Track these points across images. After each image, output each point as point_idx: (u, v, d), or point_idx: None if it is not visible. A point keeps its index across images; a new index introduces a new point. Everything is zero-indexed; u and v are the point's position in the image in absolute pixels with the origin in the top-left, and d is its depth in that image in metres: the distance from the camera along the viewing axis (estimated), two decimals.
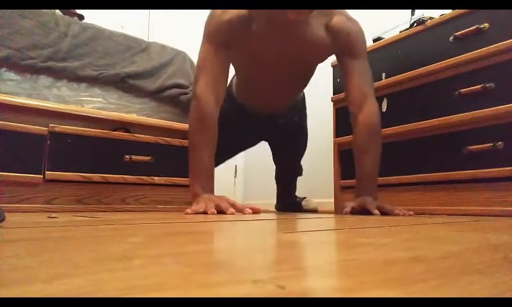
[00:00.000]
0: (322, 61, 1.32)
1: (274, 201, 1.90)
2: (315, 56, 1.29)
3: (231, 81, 1.53)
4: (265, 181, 2.14)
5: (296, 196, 1.76)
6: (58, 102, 1.42)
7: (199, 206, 1.02)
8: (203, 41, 1.21)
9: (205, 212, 0.99)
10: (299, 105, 1.59)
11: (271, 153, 1.71)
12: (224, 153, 1.47)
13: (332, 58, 1.62)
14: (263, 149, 1.73)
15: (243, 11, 1.17)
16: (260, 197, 2.25)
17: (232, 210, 0.99)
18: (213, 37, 1.18)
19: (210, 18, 1.21)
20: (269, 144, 1.70)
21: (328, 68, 1.63)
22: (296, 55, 1.26)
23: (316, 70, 1.42)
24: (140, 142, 1.50)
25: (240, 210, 1.02)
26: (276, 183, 1.78)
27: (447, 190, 1.19)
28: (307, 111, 1.65)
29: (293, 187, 1.76)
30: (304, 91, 1.55)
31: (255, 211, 1.09)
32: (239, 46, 1.20)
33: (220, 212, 0.99)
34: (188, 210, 1.03)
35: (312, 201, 1.74)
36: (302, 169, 1.72)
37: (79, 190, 1.35)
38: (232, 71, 1.37)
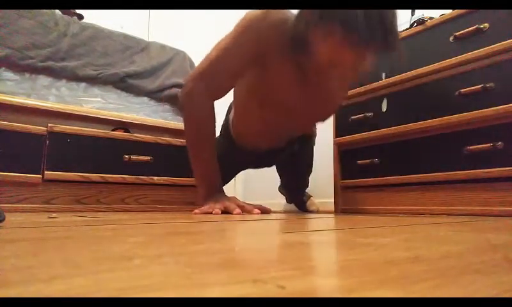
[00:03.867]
0: None
1: (275, 202, 1.90)
2: (330, 114, 1.24)
3: (227, 116, 1.41)
4: (265, 182, 2.14)
5: (304, 193, 1.74)
6: (57, 101, 1.42)
7: (208, 206, 1.02)
8: (230, 34, 1.04)
9: (211, 212, 0.99)
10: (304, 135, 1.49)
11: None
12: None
13: None
14: None
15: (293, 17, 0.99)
16: (260, 198, 2.25)
17: (238, 210, 0.99)
18: (249, 34, 1.01)
19: (254, 13, 1.03)
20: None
21: None
22: (316, 114, 1.18)
23: None
24: (139, 142, 1.50)
25: (248, 211, 1.02)
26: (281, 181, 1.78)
27: (447, 190, 1.19)
28: None
29: (299, 193, 1.74)
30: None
31: (264, 211, 1.08)
32: (269, 61, 1.04)
33: (227, 212, 0.99)
34: (196, 211, 1.03)
35: (315, 202, 1.74)
36: (308, 184, 1.71)
37: (78, 190, 1.35)
38: (227, 100, 1.28)
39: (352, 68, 0.96)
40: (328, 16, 0.85)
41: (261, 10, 1.03)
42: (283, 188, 1.78)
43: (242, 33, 1.02)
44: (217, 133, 1.24)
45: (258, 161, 1.50)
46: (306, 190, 1.75)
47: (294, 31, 0.95)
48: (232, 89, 1.19)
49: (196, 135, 1.09)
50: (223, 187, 1.14)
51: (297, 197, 1.74)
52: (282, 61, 1.03)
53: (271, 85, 1.08)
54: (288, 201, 1.81)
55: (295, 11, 1.01)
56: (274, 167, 1.73)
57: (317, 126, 1.57)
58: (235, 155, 1.38)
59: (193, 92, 1.06)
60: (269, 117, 1.18)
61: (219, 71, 1.04)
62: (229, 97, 1.26)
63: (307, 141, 1.52)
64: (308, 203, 1.72)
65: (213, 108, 1.09)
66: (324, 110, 1.22)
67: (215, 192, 1.08)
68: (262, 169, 1.62)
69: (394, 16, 0.87)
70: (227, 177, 1.43)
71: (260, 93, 1.13)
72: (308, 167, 1.63)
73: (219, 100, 1.13)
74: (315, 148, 1.66)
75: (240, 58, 1.03)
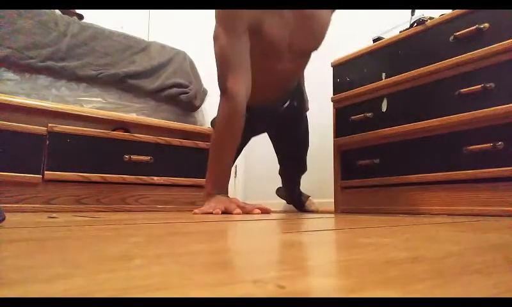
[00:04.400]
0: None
1: (275, 201, 1.90)
2: (323, 34, 1.30)
3: None
4: (265, 181, 2.14)
5: (300, 192, 1.75)
6: (57, 101, 1.42)
7: (208, 206, 1.03)
8: (217, 30, 1.13)
9: (211, 212, 0.99)
10: (298, 88, 1.58)
11: (274, 150, 1.69)
12: None
13: (332, 58, 1.62)
14: (263, 150, 1.74)
15: None
16: (260, 198, 2.25)
17: (238, 210, 1.00)
18: (229, 21, 1.11)
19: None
20: (271, 138, 1.67)
21: (328, 68, 1.64)
22: (309, 35, 1.25)
23: (316, 70, 1.42)
24: (139, 142, 1.50)
25: (249, 211, 1.02)
26: (281, 177, 1.78)
27: (447, 190, 1.19)
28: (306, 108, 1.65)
29: (297, 182, 1.74)
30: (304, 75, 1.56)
31: (264, 211, 1.09)
32: (254, 29, 1.14)
33: (227, 212, 1.00)
34: (196, 210, 1.04)
35: (314, 202, 1.74)
36: (306, 165, 1.71)
37: (78, 190, 1.35)
38: None
39: None
40: None
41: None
42: (281, 175, 1.76)
43: (225, 25, 1.11)
44: None
45: (261, 119, 1.53)
46: (304, 191, 1.75)
47: None
48: None
49: (229, 132, 1.13)
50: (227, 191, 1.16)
51: (294, 194, 1.73)
52: (265, 17, 1.15)
53: (261, 31, 1.17)
54: (287, 201, 1.81)
55: None
56: (274, 168, 1.73)
57: (308, 99, 1.63)
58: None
59: (231, 91, 1.11)
60: (264, 63, 1.26)
61: (237, 62, 1.12)
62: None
63: (301, 101, 1.59)
64: (307, 203, 1.72)
65: (245, 106, 1.14)
66: (312, 34, 1.28)
67: (218, 192, 1.09)
68: (262, 170, 1.62)
69: None
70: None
71: (254, 45, 1.20)
72: (304, 136, 1.65)
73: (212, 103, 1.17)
74: (315, 147, 1.66)
75: (240, 43, 1.12)
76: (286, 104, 1.52)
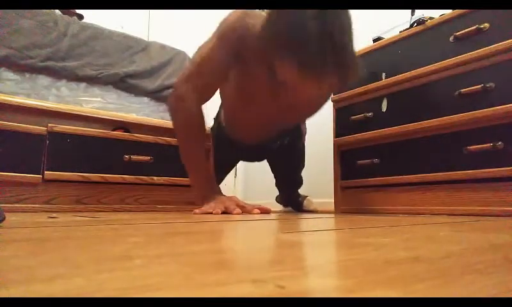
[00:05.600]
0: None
1: (274, 201, 1.90)
2: (312, 113, 1.24)
3: (219, 111, 1.48)
4: (265, 181, 2.14)
5: (298, 194, 1.75)
6: (57, 101, 1.42)
7: (208, 206, 1.03)
8: (212, 37, 1.10)
9: (211, 212, 0.99)
10: (296, 127, 1.51)
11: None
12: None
13: None
14: None
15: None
16: (260, 198, 2.24)
17: (238, 210, 0.99)
18: (227, 37, 1.07)
19: (231, 17, 1.10)
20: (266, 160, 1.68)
21: None
22: (303, 107, 1.16)
23: None
24: (139, 142, 1.50)
25: (248, 211, 1.02)
26: (278, 189, 1.79)
27: (447, 190, 1.19)
28: None
29: (294, 194, 1.75)
30: None
31: (264, 211, 1.09)
32: (247, 62, 1.09)
33: (227, 212, 1.00)
34: (196, 210, 1.04)
35: (313, 201, 1.74)
36: (302, 181, 1.71)
37: (78, 190, 1.35)
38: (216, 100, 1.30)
39: (316, 92, 0.97)
40: (282, 47, 0.86)
41: (237, 13, 1.09)
42: (278, 189, 1.78)
43: (221, 35, 1.08)
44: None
45: (251, 154, 1.54)
46: (301, 191, 1.75)
47: (259, 49, 0.97)
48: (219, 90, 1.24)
49: (187, 137, 1.11)
50: (219, 185, 1.16)
51: (292, 198, 1.74)
52: (258, 63, 1.05)
53: (248, 85, 1.14)
54: (285, 205, 1.82)
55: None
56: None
57: (306, 125, 1.59)
58: (229, 148, 1.43)
59: (182, 94, 1.09)
60: (253, 113, 1.23)
61: (204, 72, 1.09)
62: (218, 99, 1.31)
63: (297, 136, 1.54)
64: (305, 203, 1.72)
65: (201, 110, 1.12)
66: (304, 111, 1.24)
67: (212, 192, 1.09)
68: (262, 170, 1.62)
69: (349, 39, 0.88)
70: (222, 171, 1.49)
71: (242, 92, 1.18)
72: (299, 162, 1.64)
73: (210, 102, 1.17)
74: (315, 148, 1.66)
75: (221, 62, 1.08)
76: (277, 144, 1.48)
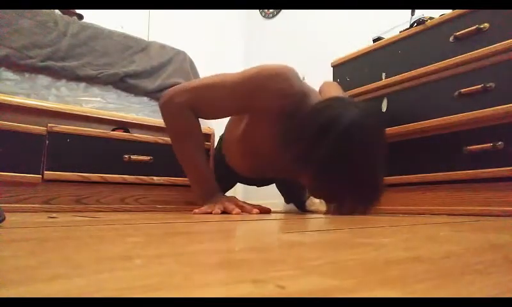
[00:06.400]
0: None
1: (274, 201, 1.90)
2: None
3: (220, 139, 1.43)
4: None
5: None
6: (57, 101, 1.42)
7: (208, 206, 1.03)
8: (240, 75, 1.02)
9: (211, 212, 0.99)
10: None
11: None
12: None
13: (332, 58, 1.62)
14: None
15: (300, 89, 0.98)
16: (260, 197, 2.24)
17: (237, 210, 0.99)
18: (250, 88, 0.99)
19: (268, 72, 0.99)
20: None
21: (328, 68, 1.63)
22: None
23: (316, 70, 1.42)
24: (139, 142, 1.50)
25: (248, 211, 1.02)
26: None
27: (447, 190, 1.19)
28: None
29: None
30: None
31: (264, 211, 1.08)
32: (258, 120, 1.04)
33: (227, 212, 1.00)
34: (196, 211, 1.03)
35: (315, 202, 1.74)
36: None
37: (78, 190, 1.35)
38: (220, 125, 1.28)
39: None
40: (319, 193, 0.93)
41: (275, 69, 0.99)
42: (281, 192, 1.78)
43: (244, 83, 1.00)
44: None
45: (251, 182, 1.53)
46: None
47: (287, 144, 0.94)
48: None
49: (179, 141, 1.10)
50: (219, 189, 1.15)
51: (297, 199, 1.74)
52: (270, 124, 1.02)
53: (254, 139, 1.09)
54: (287, 201, 1.81)
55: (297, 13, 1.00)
56: None
57: None
58: (229, 174, 1.39)
59: (173, 99, 1.06)
60: (254, 163, 1.20)
61: (206, 96, 1.04)
62: None
63: None
64: (308, 202, 1.72)
65: (192, 114, 1.08)
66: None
67: (213, 192, 1.08)
68: None
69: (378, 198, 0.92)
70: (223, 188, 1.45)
71: (245, 142, 1.14)
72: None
73: None
74: None
75: (230, 103, 1.03)
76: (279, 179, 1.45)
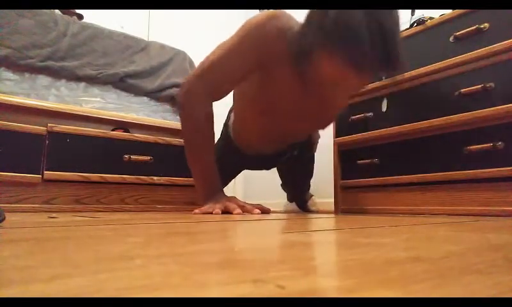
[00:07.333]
0: None
1: (275, 202, 1.90)
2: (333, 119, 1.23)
3: (227, 120, 1.43)
4: (265, 181, 2.14)
5: (305, 193, 1.75)
6: (57, 101, 1.42)
7: (208, 206, 1.02)
8: (234, 36, 1.04)
9: (211, 212, 0.99)
10: (308, 139, 1.47)
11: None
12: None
13: None
14: None
15: (296, 25, 0.98)
16: (260, 197, 2.25)
17: (238, 210, 0.99)
18: (251, 37, 1.01)
19: (258, 17, 1.03)
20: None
21: None
22: (318, 120, 1.16)
23: None
24: (139, 142, 1.50)
25: (248, 211, 1.02)
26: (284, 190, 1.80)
27: (447, 190, 1.19)
28: None
29: (301, 195, 1.75)
30: None
31: (264, 211, 1.08)
32: (270, 68, 1.03)
33: (227, 212, 1.00)
34: (196, 211, 1.03)
35: (316, 202, 1.75)
36: (309, 187, 1.71)
37: (78, 190, 1.35)
38: (225, 105, 1.28)
39: (355, 86, 0.97)
40: (333, 38, 0.84)
41: (265, 14, 1.02)
42: (283, 189, 1.79)
43: (243, 39, 1.02)
44: (217, 136, 1.24)
45: (258, 164, 1.50)
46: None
47: (298, 47, 0.94)
48: (232, 92, 1.19)
49: (194, 135, 1.09)
50: (222, 189, 1.15)
51: (299, 197, 1.74)
52: (283, 70, 1.03)
53: (271, 92, 1.09)
54: (290, 199, 1.82)
55: (297, 13, 1.00)
56: (274, 169, 1.73)
57: (319, 133, 1.56)
58: (235, 158, 1.38)
59: (192, 91, 1.06)
60: (269, 124, 1.19)
61: (219, 73, 1.05)
62: (230, 98, 1.27)
63: (308, 146, 1.50)
64: (310, 202, 1.72)
65: (211, 108, 1.10)
66: (324, 118, 1.20)
67: (215, 192, 1.08)
68: (262, 170, 1.62)
69: (398, 33, 0.87)
70: (226, 179, 1.43)
71: (260, 100, 1.13)
72: (308, 172, 1.62)
73: (220, 101, 1.13)
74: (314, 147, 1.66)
75: (241, 64, 1.04)
76: (286, 155, 1.43)
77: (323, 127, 1.27)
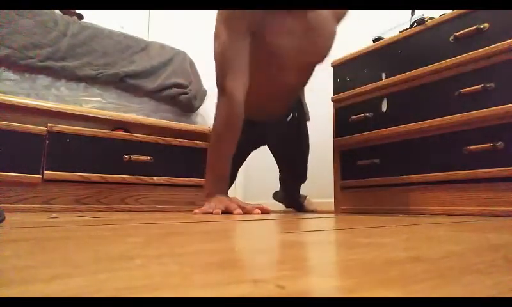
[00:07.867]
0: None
1: (275, 202, 1.90)
2: (328, 47, 1.30)
3: None
4: (265, 181, 2.14)
5: (299, 194, 1.76)
6: (57, 101, 1.42)
7: (209, 206, 1.03)
8: (219, 29, 1.13)
9: (211, 212, 0.99)
10: (298, 100, 1.58)
11: (274, 159, 1.70)
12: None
13: (332, 58, 1.62)
14: (263, 150, 1.73)
15: None
16: (260, 197, 2.25)
17: (238, 210, 1.00)
18: (232, 21, 1.11)
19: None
20: (271, 149, 1.67)
21: (328, 68, 1.63)
22: (314, 48, 1.24)
23: (316, 70, 1.42)
24: (139, 142, 1.50)
25: (248, 211, 1.02)
26: (280, 183, 1.79)
27: (447, 190, 1.19)
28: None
29: (297, 189, 1.76)
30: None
31: (264, 211, 1.09)
32: (257, 34, 1.14)
33: (228, 212, 1.00)
34: (197, 210, 1.04)
35: (312, 201, 1.75)
36: (306, 175, 1.72)
37: (78, 190, 1.35)
38: None
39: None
40: None
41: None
42: (281, 182, 1.77)
43: (226, 21, 1.11)
44: None
45: (261, 135, 1.54)
46: (302, 190, 1.75)
47: None
48: None
49: (228, 133, 1.12)
50: (227, 191, 1.16)
51: (293, 197, 1.74)
52: (268, 17, 1.13)
53: (265, 39, 1.17)
54: (287, 205, 1.82)
55: None
56: (274, 168, 1.73)
57: (307, 106, 1.64)
58: (247, 133, 1.40)
59: (230, 90, 1.11)
60: (268, 74, 1.26)
61: (235, 61, 1.12)
62: None
63: (301, 113, 1.58)
64: (305, 203, 1.73)
65: (243, 106, 1.14)
66: (318, 47, 1.28)
67: (218, 192, 1.09)
68: (262, 170, 1.62)
69: None
70: (239, 160, 1.51)
71: (258, 53, 1.18)
72: (305, 145, 1.65)
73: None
74: (315, 148, 1.66)
75: (240, 41, 1.11)
76: (289, 117, 1.53)
77: (319, 58, 1.33)
